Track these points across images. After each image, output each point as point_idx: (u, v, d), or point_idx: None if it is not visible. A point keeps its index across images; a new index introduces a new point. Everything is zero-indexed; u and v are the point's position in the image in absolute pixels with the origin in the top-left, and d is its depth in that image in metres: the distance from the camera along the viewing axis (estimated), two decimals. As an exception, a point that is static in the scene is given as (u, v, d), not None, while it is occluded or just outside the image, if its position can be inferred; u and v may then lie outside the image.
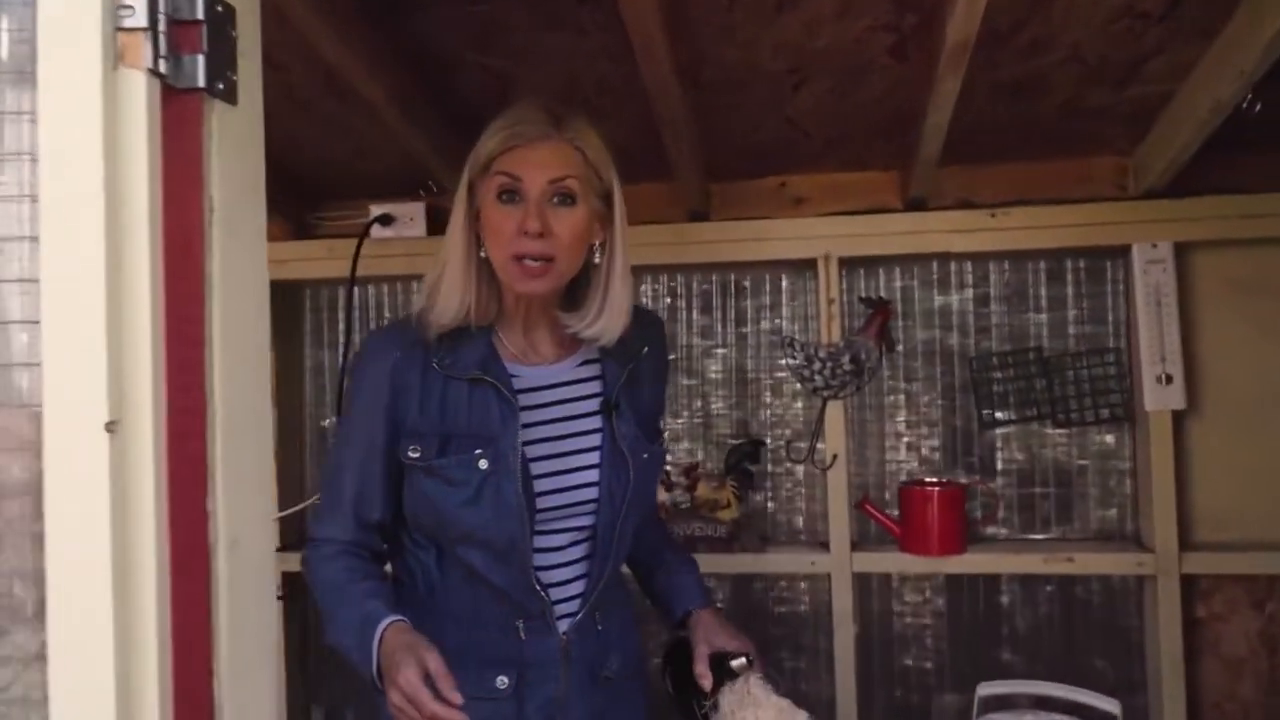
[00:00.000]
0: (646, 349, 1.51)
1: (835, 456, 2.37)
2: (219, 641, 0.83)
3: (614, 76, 1.96)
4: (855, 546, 2.39)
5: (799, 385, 2.42)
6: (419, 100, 1.99)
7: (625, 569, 1.60)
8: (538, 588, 1.38)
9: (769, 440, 2.52)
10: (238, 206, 0.87)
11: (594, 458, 1.43)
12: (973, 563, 2.33)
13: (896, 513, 2.38)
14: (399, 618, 1.29)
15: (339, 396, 2.44)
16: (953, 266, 2.48)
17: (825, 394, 2.37)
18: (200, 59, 0.81)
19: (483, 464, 1.34)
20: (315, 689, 2.72)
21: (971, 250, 2.33)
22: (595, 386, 1.46)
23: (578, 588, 1.43)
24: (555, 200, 1.34)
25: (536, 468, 1.38)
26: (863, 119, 2.14)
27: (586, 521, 1.42)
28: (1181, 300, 2.27)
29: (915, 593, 2.51)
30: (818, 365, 2.33)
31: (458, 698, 1.17)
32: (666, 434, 2.52)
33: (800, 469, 2.53)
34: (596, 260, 1.41)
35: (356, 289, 2.66)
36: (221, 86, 0.84)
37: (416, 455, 1.36)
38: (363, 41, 1.76)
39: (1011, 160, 2.36)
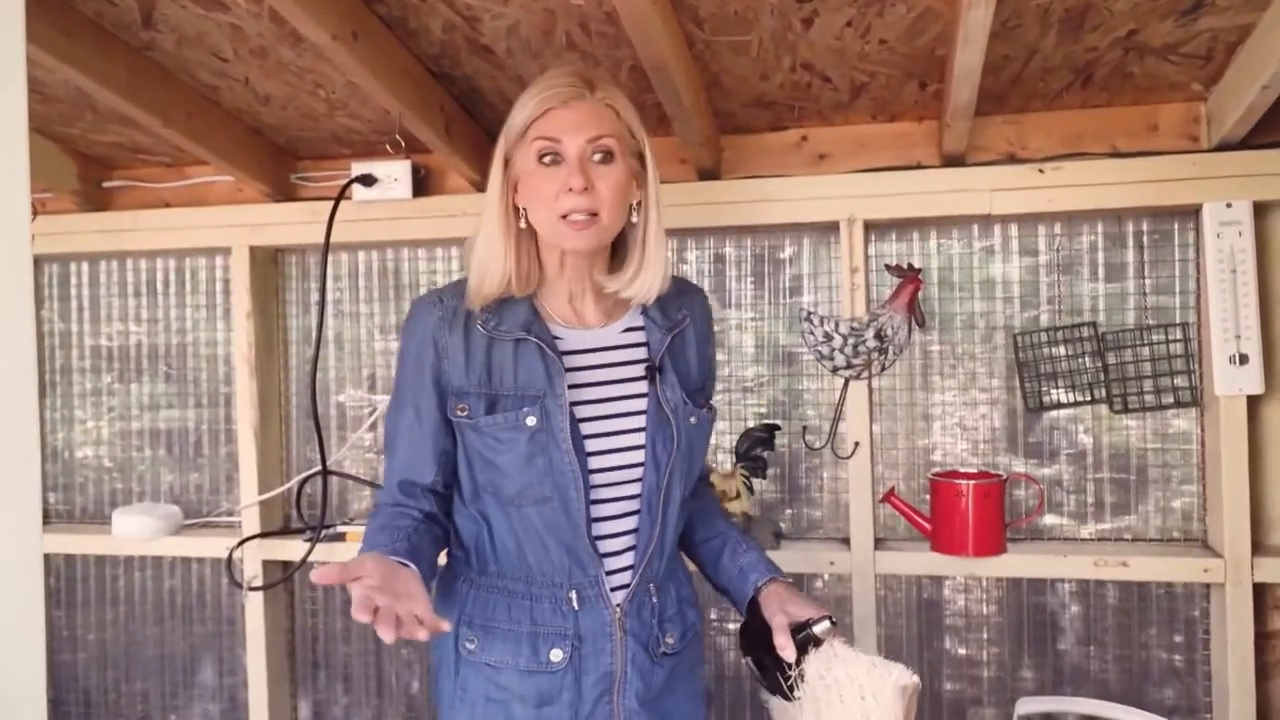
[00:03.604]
0: (688, 317, 1.52)
1: (857, 444, 2.11)
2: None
3: (597, 15, 1.72)
4: (880, 545, 2.14)
5: (819, 363, 2.16)
6: (376, 43, 1.77)
7: (686, 558, 1.61)
8: (593, 549, 1.38)
9: (802, 424, 2.27)
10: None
11: (640, 421, 1.43)
12: (1013, 565, 2.07)
13: (927, 508, 2.13)
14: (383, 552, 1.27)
15: (314, 368, 2.25)
16: (996, 230, 2.20)
17: (847, 374, 2.11)
18: None
19: (530, 420, 1.36)
20: (302, 683, 2.56)
21: (1017, 211, 2.05)
22: (640, 352, 1.47)
23: (628, 559, 1.43)
24: (596, 158, 1.36)
25: (586, 428, 1.39)
26: (890, 61, 1.87)
27: (635, 490, 1.42)
28: (1260, 269, 1.98)
29: (948, 597, 2.25)
30: (838, 342, 2.08)
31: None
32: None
33: (821, 456, 2.28)
34: (634, 219, 1.43)
35: (341, 255, 2.49)
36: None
37: (465, 414, 1.39)
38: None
39: (1063, 108, 2.08)
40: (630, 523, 1.43)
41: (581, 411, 1.39)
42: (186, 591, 2.63)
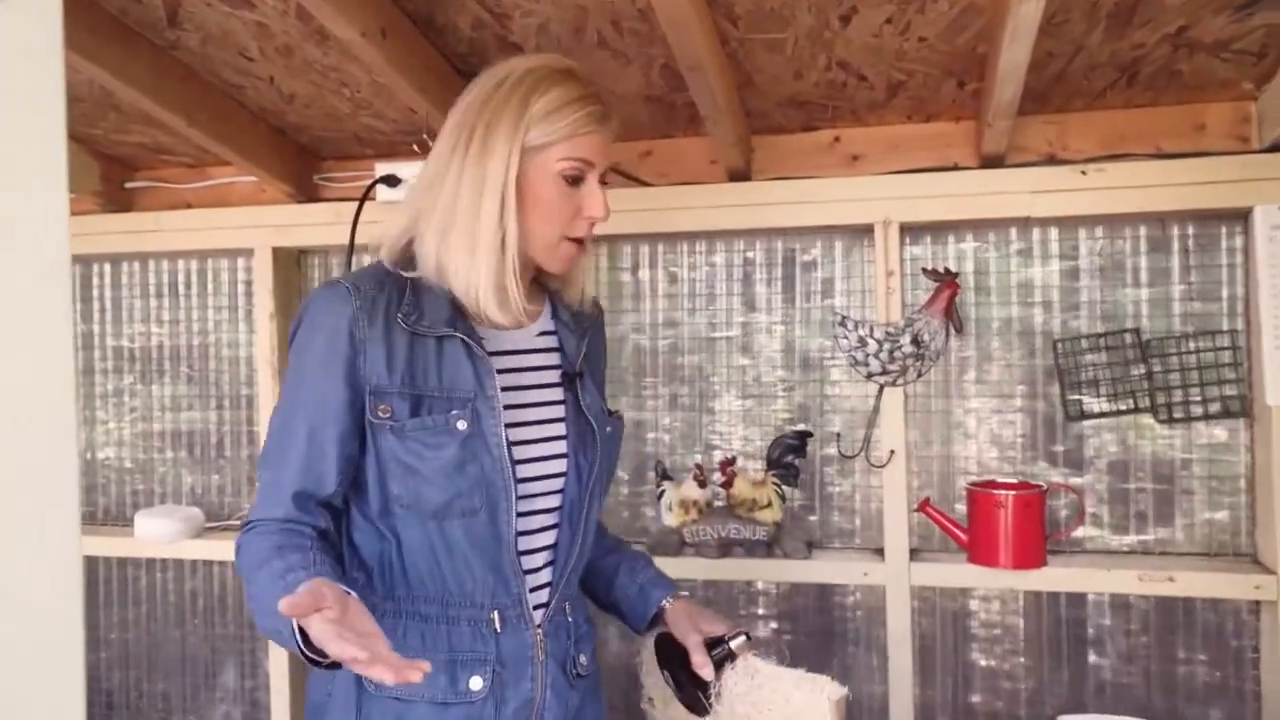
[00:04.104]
0: (591, 331, 1.47)
1: (893, 452, 2.06)
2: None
3: (629, 12, 1.68)
4: (915, 555, 2.08)
5: (853, 369, 2.11)
6: (405, 41, 1.74)
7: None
8: (518, 565, 1.29)
9: (834, 431, 2.22)
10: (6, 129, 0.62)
11: (559, 429, 1.36)
12: (1053, 579, 2.01)
13: (962, 517, 2.07)
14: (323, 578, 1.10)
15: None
16: (1035, 234, 2.14)
17: (882, 380, 2.06)
18: None
19: (460, 424, 1.25)
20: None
21: (1058, 214, 1.99)
22: (554, 358, 1.40)
23: (546, 575, 1.34)
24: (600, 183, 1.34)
25: (512, 434, 1.28)
26: (928, 59, 1.82)
27: (555, 501, 1.34)
28: (1314, 274, 1.90)
29: (984, 610, 2.19)
30: (873, 347, 2.03)
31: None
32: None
33: (854, 465, 2.22)
34: None
35: (364, 257, 2.44)
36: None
37: (387, 416, 1.24)
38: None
39: (1107, 107, 2.01)
40: (549, 537, 1.34)
41: (506, 416, 1.28)
42: (208, 594, 2.60)
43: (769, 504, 2.09)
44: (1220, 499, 2.06)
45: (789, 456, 2.12)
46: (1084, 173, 1.95)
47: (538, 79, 1.28)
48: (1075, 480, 2.12)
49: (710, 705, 1.37)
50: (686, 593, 1.51)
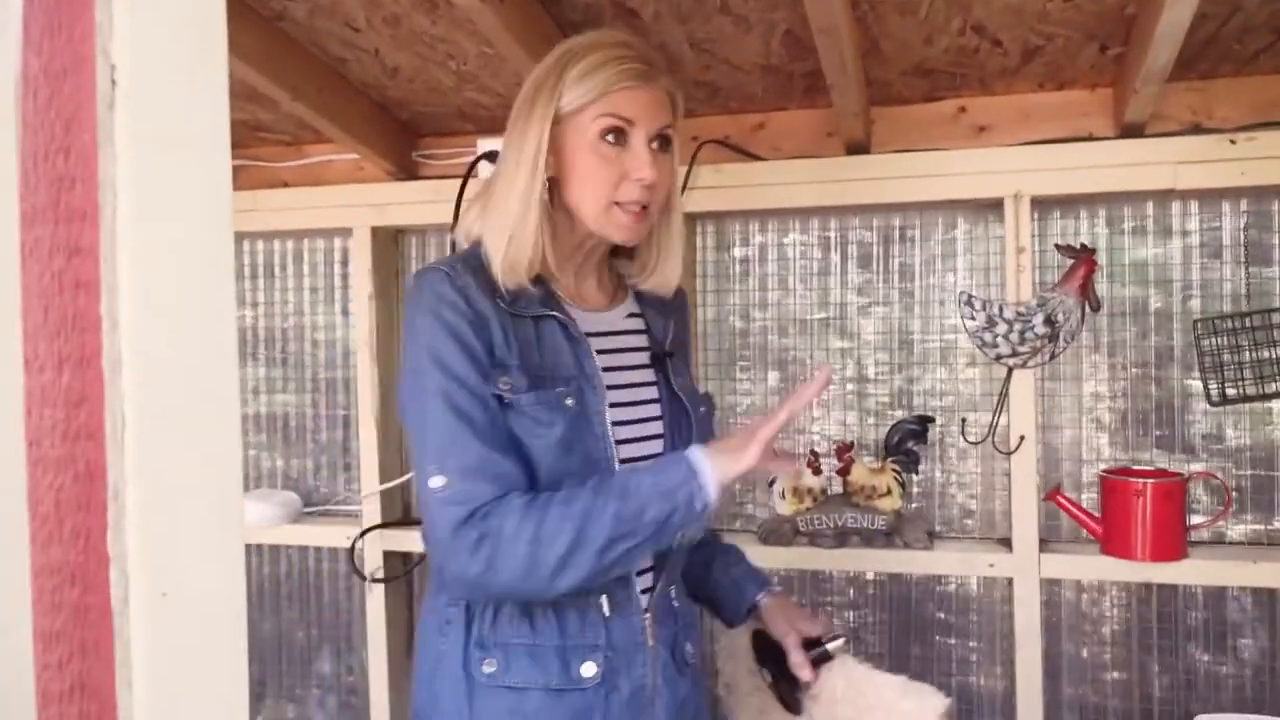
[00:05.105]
0: (677, 314, 1.44)
1: (1023, 438, 1.96)
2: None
3: (759, -29, 1.60)
4: (1043, 546, 1.98)
5: (979, 351, 2.01)
6: (521, 7, 1.67)
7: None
8: None
9: (938, 417, 2.13)
10: (167, 76, 0.56)
11: (655, 410, 1.34)
12: (1194, 572, 1.90)
13: (1095, 507, 1.97)
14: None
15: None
16: (1174, 208, 2.02)
17: (1012, 362, 1.96)
18: None
19: (569, 401, 1.23)
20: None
21: (1203, 186, 1.87)
22: (642, 339, 1.38)
23: (650, 559, 1.30)
24: (656, 146, 1.27)
25: (612, 414, 1.27)
26: (1072, 20, 1.71)
27: None
28: None
29: (1117, 604, 2.09)
30: (1002, 328, 1.93)
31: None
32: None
33: (974, 451, 2.12)
34: None
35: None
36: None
37: (508, 389, 1.20)
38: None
39: (1256, 72, 1.90)
40: None
41: (607, 397, 1.27)
42: (303, 580, 2.57)
43: (888, 491, 2.01)
44: (1377, 489, 1.94)
45: (910, 442, 2.03)
46: (1234, 142, 1.83)
47: (577, 49, 1.26)
48: (1215, 468, 2.01)
49: (805, 706, 1.36)
50: (780, 588, 1.48)
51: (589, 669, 1.23)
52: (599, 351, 1.28)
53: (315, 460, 2.56)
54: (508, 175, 1.25)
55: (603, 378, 1.26)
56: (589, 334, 1.28)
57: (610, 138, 1.24)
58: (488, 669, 1.22)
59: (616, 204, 1.25)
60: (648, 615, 1.28)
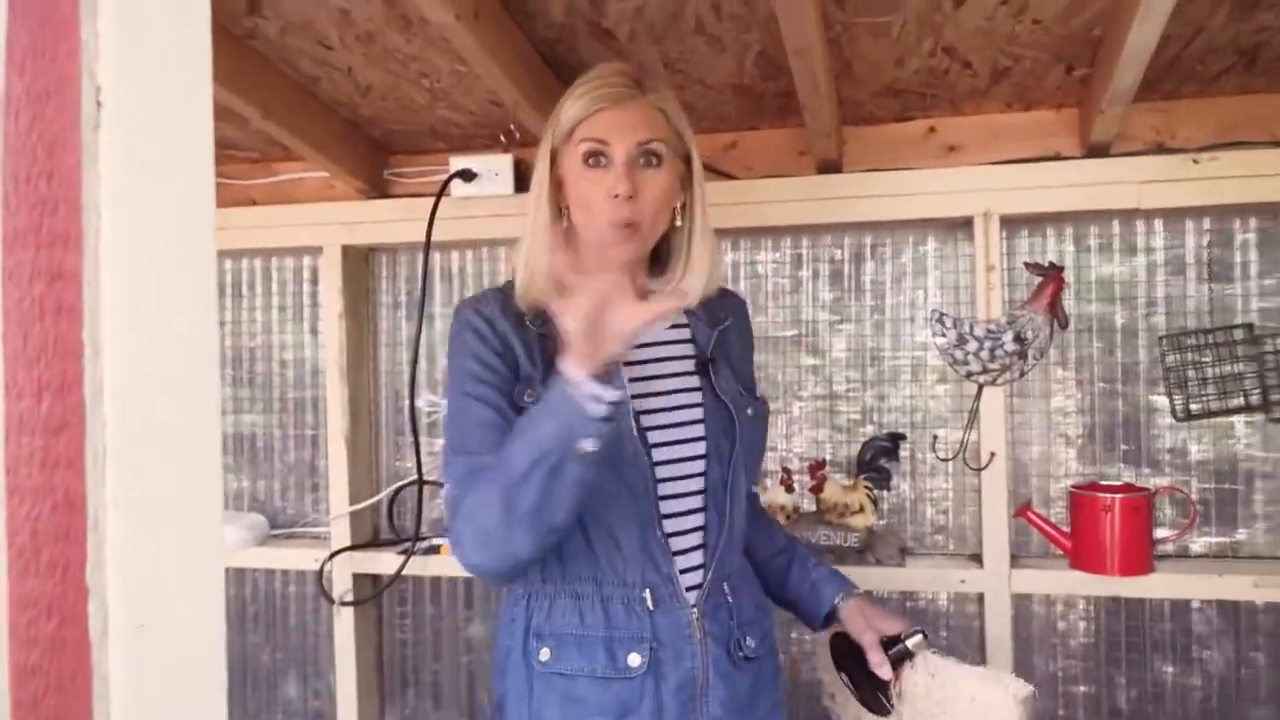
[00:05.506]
0: (731, 320, 1.49)
1: (993, 454, 1.97)
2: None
3: (732, -6, 1.61)
4: (1014, 562, 2.00)
5: (949, 368, 2.03)
6: (496, 25, 1.67)
7: (753, 574, 1.53)
8: (664, 544, 1.32)
9: (909, 434, 2.14)
10: (153, 98, 0.55)
11: (698, 414, 1.39)
12: (1162, 585, 1.92)
13: (1064, 522, 1.99)
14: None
15: (413, 372, 2.16)
16: (1139, 226, 2.05)
17: (982, 379, 1.97)
18: None
19: None
20: (390, 700, 2.46)
21: (1168, 205, 1.90)
22: (688, 349, 1.43)
23: (698, 557, 1.36)
24: (641, 162, 1.33)
25: (646, 420, 1.34)
26: (1040, 42, 1.73)
27: (698, 485, 1.37)
28: None
29: (1086, 618, 2.10)
30: (973, 345, 1.94)
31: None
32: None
33: (945, 468, 2.14)
34: (679, 223, 1.40)
35: (436, 255, 2.38)
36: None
37: (533, 400, 1.27)
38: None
39: (1218, 93, 1.93)
40: (697, 519, 1.37)
41: (640, 404, 1.35)
42: (269, 604, 2.54)
43: (861, 509, 2.01)
44: (1340, 503, 1.97)
45: (881, 459, 2.04)
46: (1197, 161, 1.87)
47: (573, 84, 1.36)
48: (1180, 483, 2.04)
49: (891, 705, 1.37)
50: (860, 589, 1.52)
51: (634, 659, 1.30)
52: (634, 362, 1.36)
53: (283, 481, 2.53)
54: (528, 208, 1.38)
55: (634, 387, 1.34)
56: None
57: (591, 160, 1.32)
58: (543, 657, 1.32)
59: (612, 224, 1.31)
60: (695, 610, 1.33)
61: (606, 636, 1.31)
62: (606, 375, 1.13)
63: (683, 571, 1.34)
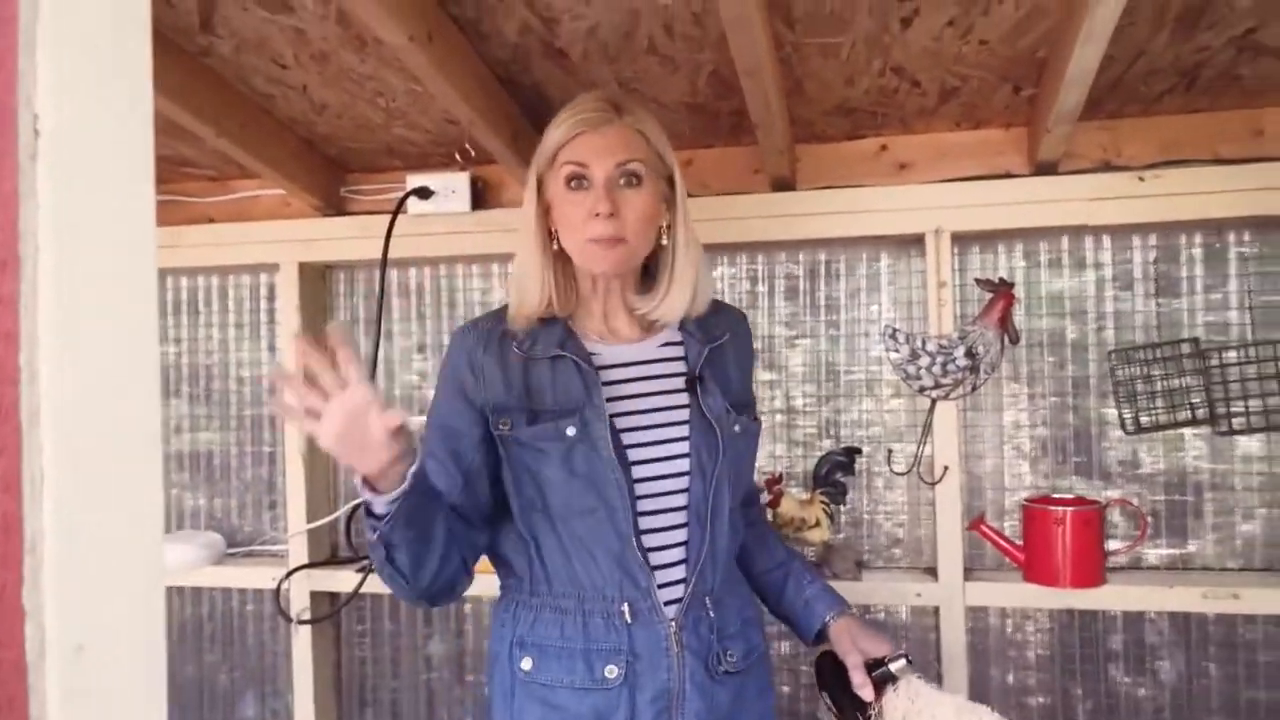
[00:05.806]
0: (728, 335, 1.51)
1: (946, 468, 2.00)
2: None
3: (684, 16, 1.62)
4: (968, 575, 2.02)
5: (903, 383, 2.05)
6: (450, 46, 1.68)
7: (750, 587, 1.58)
8: (643, 559, 1.35)
9: (865, 448, 2.16)
10: (89, 124, 0.55)
11: (683, 430, 1.42)
12: (1113, 597, 1.95)
13: (1014, 535, 2.02)
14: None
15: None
16: (1088, 242, 2.09)
17: (935, 394, 2.00)
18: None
19: (570, 430, 1.35)
20: (348, 716, 2.44)
21: (1115, 222, 1.94)
22: (679, 366, 1.47)
23: (680, 572, 1.39)
24: (622, 183, 1.38)
25: (627, 438, 1.38)
26: (987, 63, 1.77)
27: (682, 500, 1.40)
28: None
29: (1040, 629, 2.13)
30: (925, 360, 1.97)
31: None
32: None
33: (900, 482, 2.16)
34: (664, 242, 1.45)
35: (394, 272, 2.38)
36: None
37: (507, 428, 1.38)
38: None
39: (1163, 112, 1.97)
40: (680, 535, 1.39)
41: (622, 422, 1.39)
42: (226, 623, 2.51)
43: (817, 523, 2.03)
44: (1283, 513, 2.01)
45: (837, 474, 2.06)
46: (1142, 179, 1.91)
47: (561, 111, 1.42)
48: (1131, 495, 2.07)
49: None
50: (853, 609, 1.54)
51: (611, 671, 1.34)
52: (619, 381, 1.42)
53: (240, 499, 2.51)
54: (522, 230, 1.44)
55: (617, 405, 1.38)
56: (612, 365, 1.43)
57: (574, 183, 1.38)
58: (525, 666, 1.37)
59: (591, 241, 1.36)
60: (673, 624, 1.36)
61: (585, 649, 1.35)
62: (399, 476, 1.20)
63: (664, 585, 1.37)
